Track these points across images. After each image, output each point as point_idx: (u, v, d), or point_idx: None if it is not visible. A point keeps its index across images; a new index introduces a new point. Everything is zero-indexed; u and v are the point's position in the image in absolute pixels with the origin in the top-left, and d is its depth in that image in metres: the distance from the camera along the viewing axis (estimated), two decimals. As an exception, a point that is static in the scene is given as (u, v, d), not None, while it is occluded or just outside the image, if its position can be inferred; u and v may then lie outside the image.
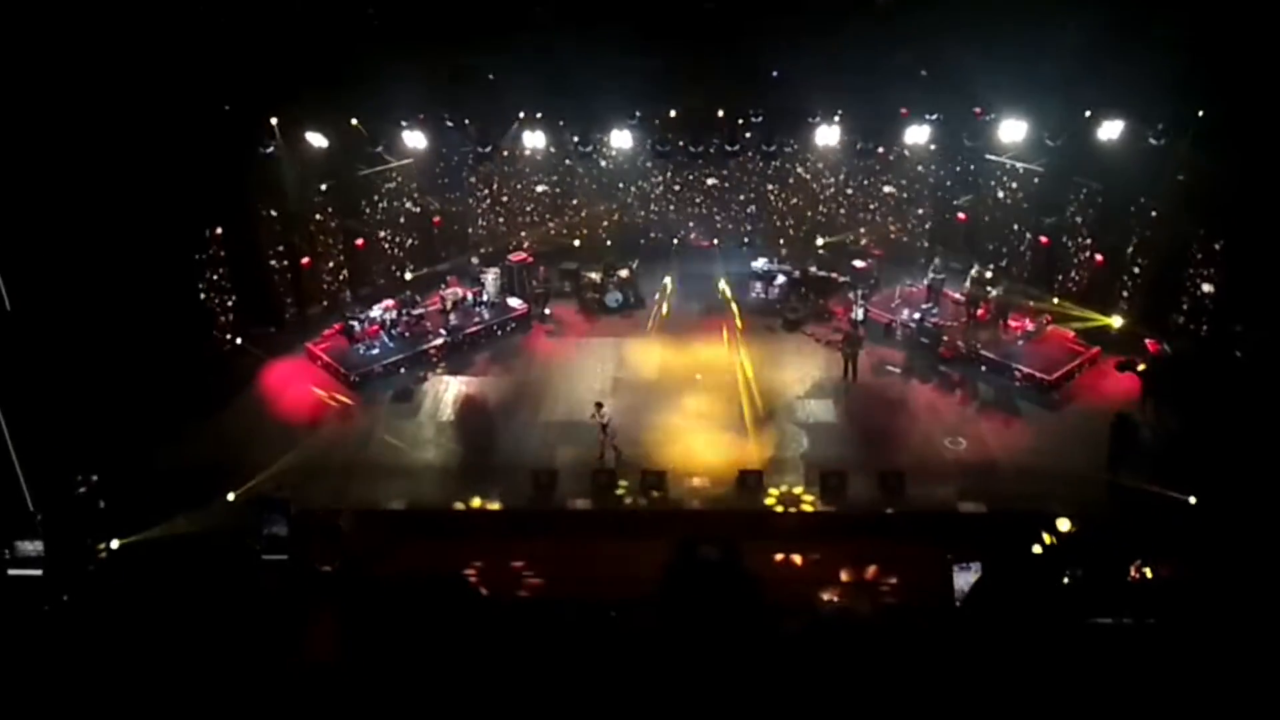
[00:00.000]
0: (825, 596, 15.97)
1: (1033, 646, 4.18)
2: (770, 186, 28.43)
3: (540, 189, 28.45)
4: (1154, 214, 22.33)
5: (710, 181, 28.51)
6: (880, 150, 25.65)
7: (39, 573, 15.35)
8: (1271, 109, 18.12)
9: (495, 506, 18.78)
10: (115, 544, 16.66)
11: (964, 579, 12.91)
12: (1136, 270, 23.00)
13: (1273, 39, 17.48)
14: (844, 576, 16.99)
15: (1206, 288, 21.33)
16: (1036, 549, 15.32)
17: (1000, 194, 25.74)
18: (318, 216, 24.73)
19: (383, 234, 26.35)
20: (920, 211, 27.72)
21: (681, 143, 24.00)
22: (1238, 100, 18.75)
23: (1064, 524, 15.74)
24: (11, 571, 15.36)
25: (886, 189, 27.80)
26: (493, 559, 17.21)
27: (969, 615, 4.78)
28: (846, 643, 3.98)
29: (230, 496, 18.15)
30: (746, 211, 28.83)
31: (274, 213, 23.64)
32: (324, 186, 24.48)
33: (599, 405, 19.50)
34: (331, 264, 25.50)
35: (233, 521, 17.28)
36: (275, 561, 16.26)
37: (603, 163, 27.75)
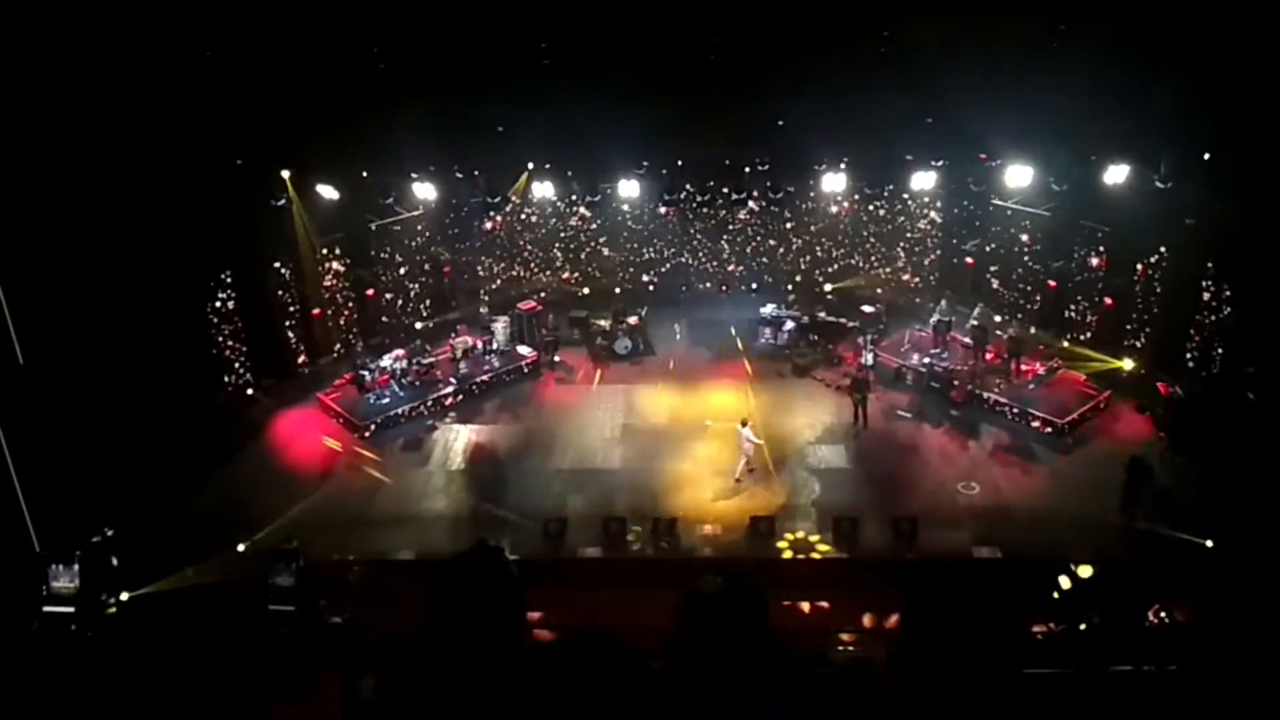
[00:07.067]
0: (840, 645, 15.75)
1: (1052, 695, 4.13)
2: (777, 233, 28.54)
3: (549, 237, 28.64)
4: (1162, 256, 22.36)
5: (717, 228, 28.66)
6: (886, 196, 25.83)
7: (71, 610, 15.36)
8: (1276, 150, 18.18)
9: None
10: (124, 596, 16.57)
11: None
12: (1146, 313, 22.96)
13: (1276, 82, 17.58)
14: (860, 624, 16.76)
15: (1216, 329, 21.25)
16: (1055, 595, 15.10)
17: (1007, 238, 25.81)
18: (328, 266, 24.93)
19: (393, 284, 26.53)
20: (930, 259, 27.83)
21: (688, 191, 24.18)
22: (1243, 142, 18.81)
23: (1085, 570, 15.51)
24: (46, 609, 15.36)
25: (893, 233, 27.91)
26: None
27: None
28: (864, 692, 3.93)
29: (240, 547, 18.10)
30: (754, 258, 28.93)
31: (285, 264, 23.86)
32: (335, 238, 24.71)
33: (744, 422, 20.18)
34: (342, 314, 25.65)
35: (242, 573, 17.17)
36: (282, 612, 16.10)
37: (611, 211, 27.93)
